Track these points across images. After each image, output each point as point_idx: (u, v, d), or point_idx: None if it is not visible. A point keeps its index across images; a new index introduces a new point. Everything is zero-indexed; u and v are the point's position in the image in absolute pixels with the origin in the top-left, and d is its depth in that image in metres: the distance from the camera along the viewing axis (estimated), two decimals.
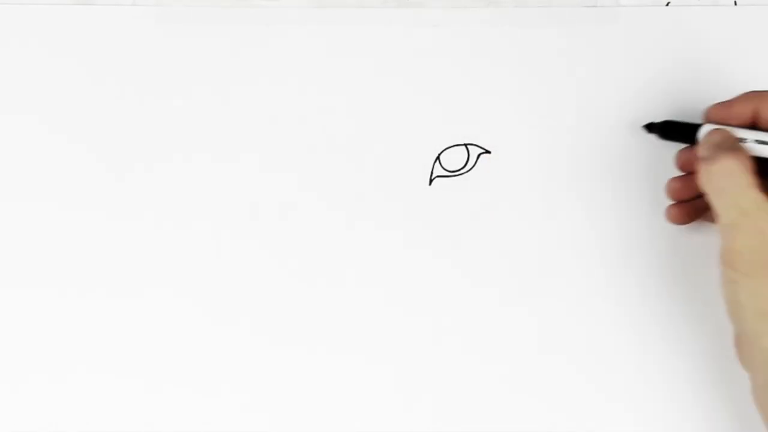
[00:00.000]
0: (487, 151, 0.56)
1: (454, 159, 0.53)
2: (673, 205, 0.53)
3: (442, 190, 0.55)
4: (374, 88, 0.58)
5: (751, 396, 0.46)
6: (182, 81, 0.58)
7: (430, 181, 0.55)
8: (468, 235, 0.55)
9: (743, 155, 0.47)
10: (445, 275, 0.55)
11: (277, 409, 0.53)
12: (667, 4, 0.61)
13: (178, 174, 0.56)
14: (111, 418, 0.52)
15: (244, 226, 0.56)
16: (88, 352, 0.53)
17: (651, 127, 0.54)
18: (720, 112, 0.50)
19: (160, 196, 0.56)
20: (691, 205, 0.53)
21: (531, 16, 0.60)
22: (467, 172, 0.56)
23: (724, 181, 0.46)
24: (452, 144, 0.54)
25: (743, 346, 0.46)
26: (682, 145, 0.53)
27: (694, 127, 0.51)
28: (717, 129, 0.50)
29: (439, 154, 0.54)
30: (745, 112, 0.49)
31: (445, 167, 0.54)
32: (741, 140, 0.49)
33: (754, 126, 0.49)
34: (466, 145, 0.55)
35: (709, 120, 0.51)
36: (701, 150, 0.49)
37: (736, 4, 0.61)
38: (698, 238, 0.55)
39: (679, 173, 0.53)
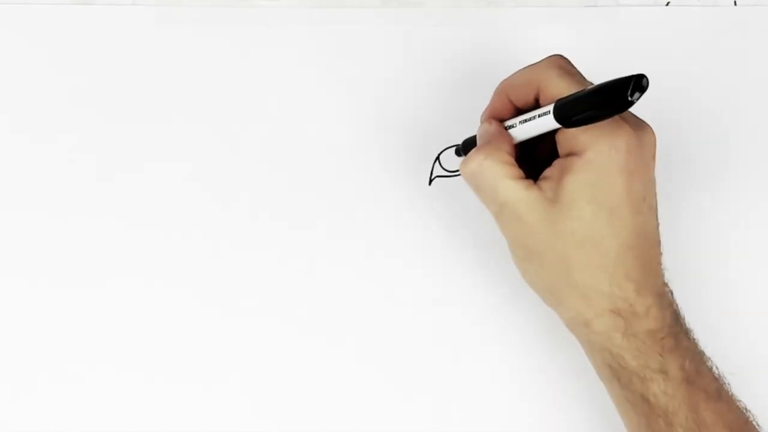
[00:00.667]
0: None
1: (454, 159, 0.53)
2: None
3: (442, 190, 0.55)
4: (374, 88, 0.58)
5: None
6: (182, 81, 0.58)
7: (430, 181, 0.55)
8: (468, 235, 0.55)
9: (494, 146, 0.47)
10: (445, 275, 0.55)
11: (274, 409, 0.53)
12: (667, 4, 0.61)
13: (178, 173, 0.56)
14: (110, 419, 0.53)
15: (244, 226, 0.56)
16: (86, 352, 0.53)
17: (458, 151, 0.53)
18: (501, 104, 0.50)
19: (160, 196, 0.56)
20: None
21: (531, 16, 0.60)
22: None
23: (479, 178, 0.47)
24: (452, 144, 0.54)
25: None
26: None
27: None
28: (482, 124, 0.50)
29: (439, 154, 0.54)
30: (528, 95, 0.48)
31: (445, 167, 0.54)
32: (509, 127, 0.49)
33: (537, 104, 0.48)
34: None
35: (492, 113, 0.50)
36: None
37: (736, 4, 0.61)
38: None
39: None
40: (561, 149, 0.46)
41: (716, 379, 0.46)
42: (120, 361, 0.53)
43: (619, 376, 0.46)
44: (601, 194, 0.44)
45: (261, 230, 0.55)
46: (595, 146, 0.44)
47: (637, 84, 0.41)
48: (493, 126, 0.49)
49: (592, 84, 0.46)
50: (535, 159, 0.48)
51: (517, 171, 0.46)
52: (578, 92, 0.44)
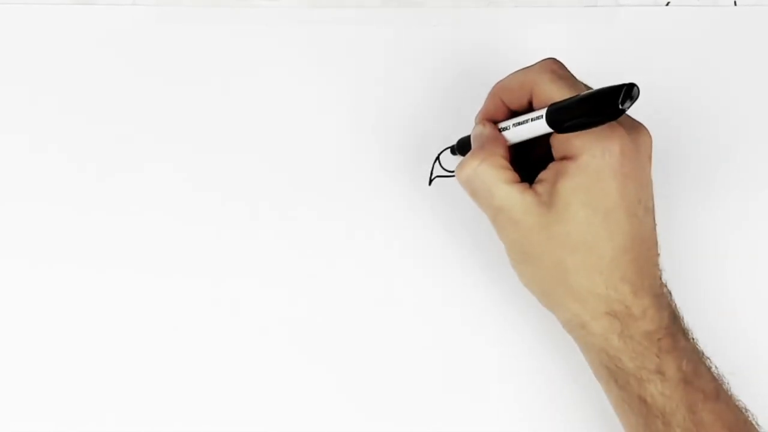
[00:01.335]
0: None
1: (454, 159, 0.53)
2: None
3: (442, 190, 0.55)
4: (374, 88, 0.58)
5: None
6: (182, 80, 0.58)
7: (430, 181, 0.55)
8: (467, 236, 0.55)
9: (489, 151, 0.47)
10: (445, 275, 0.55)
11: (275, 409, 0.53)
12: (667, 4, 0.61)
13: (178, 173, 0.56)
14: (111, 419, 0.53)
15: (243, 225, 0.56)
16: (86, 352, 0.54)
17: (453, 150, 0.54)
18: (495, 106, 0.50)
19: (159, 195, 0.56)
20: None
21: (531, 16, 0.60)
22: None
23: (474, 183, 0.47)
24: (452, 143, 0.54)
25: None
26: None
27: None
28: (476, 126, 0.50)
29: (439, 154, 0.54)
30: (522, 98, 0.48)
31: (445, 167, 0.54)
32: (503, 129, 0.49)
33: (530, 107, 0.48)
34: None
35: (486, 115, 0.50)
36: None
37: (736, 4, 0.61)
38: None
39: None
40: (555, 152, 0.46)
41: (715, 379, 0.46)
42: (120, 359, 0.53)
43: (616, 378, 0.46)
44: (595, 198, 0.44)
45: (260, 230, 0.56)
46: (589, 150, 0.44)
47: (627, 93, 0.41)
48: (488, 128, 0.49)
49: (586, 87, 0.46)
50: (531, 160, 0.48)
51: (512, 175, 0.47)
52: (570, 98, 0.44)
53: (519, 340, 0.54)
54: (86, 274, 0.55)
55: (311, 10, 0.60)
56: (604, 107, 0.42)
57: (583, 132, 0.44)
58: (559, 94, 0.45)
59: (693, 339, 0.47)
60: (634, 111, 0.44)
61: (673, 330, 0.46)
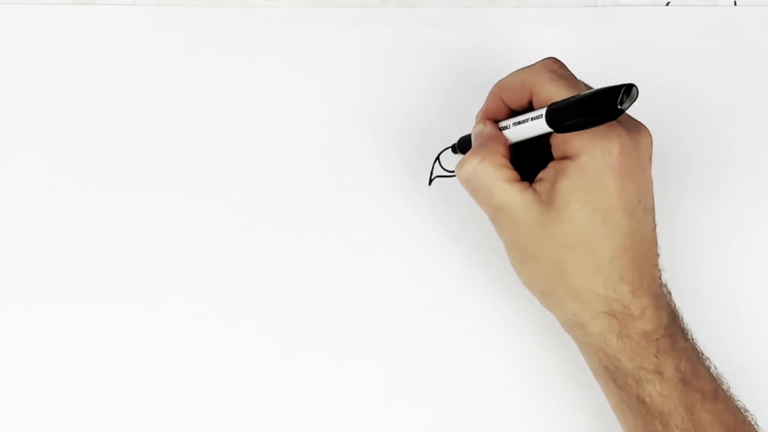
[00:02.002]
0: None
1: (454, 159, 0.53)
2: None
3: (442, 190, 0.55)
4: (374, 88, 0.58)
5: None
6: (182, 80, 0.58)
7: (430, 181, 0.55)
8: (468, 235, 0.55)
9: (489, 149, 0.47)
10: (445, 274, 0.55)
11: (274, 414, 0.53)
12: (667, 4, 0.61)
13: (177, 172, 0.56)
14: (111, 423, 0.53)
15: (241, 225, 0.56)
16: (83, 355, 0.54)
17: (455, 148, 0.54)
18: (495, 106, 0.50)
19: (158, 195, 0.56)
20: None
21: (531, 16, 0.60)
22: None
23: (474, 182, 0.47)
24: (452, 143, 0.54)
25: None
26: None
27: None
28: (477, 125, 0.50)
29: (440, 154, 0.54)
30: (522, 97, 0.48)
31: (445, 167, 0.54)
32: (503, 128, 0.49)
33: (530, 106, 0.48)
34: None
35: (486, 114, 0.50)
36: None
37: (736, 4, 0.61)
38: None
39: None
40: (555, 152, 0.46)
41: (714, 380, 0.46)
42: (119, 359, 0.53)
43: (614, 378, 0.46)
44: (594, 198, 0.44)
45: (259, 229, 0.55)
46: (589, 150, 0.44)
47: (626, 93, 0.42)
48: (488, 127, 0.49)
49: (586, 86, 0.46)
50: (531, 159, 0.48)
51: (512, 173, 0.47)
52: (570, 98, 0.44)
53: (518, 340, 0.54)
54: (86, 274, 0.55)
55: (311, 10, 0.60)
56: (602, 107, 0.42)
57: (583, 131, 0.44)
58: (559, 93, 0.45)
59: (692, 339, 0.47)
60: (635, 111, 0.44)
61: (672, 330, 0.46)
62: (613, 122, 0.44)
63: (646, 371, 0.45)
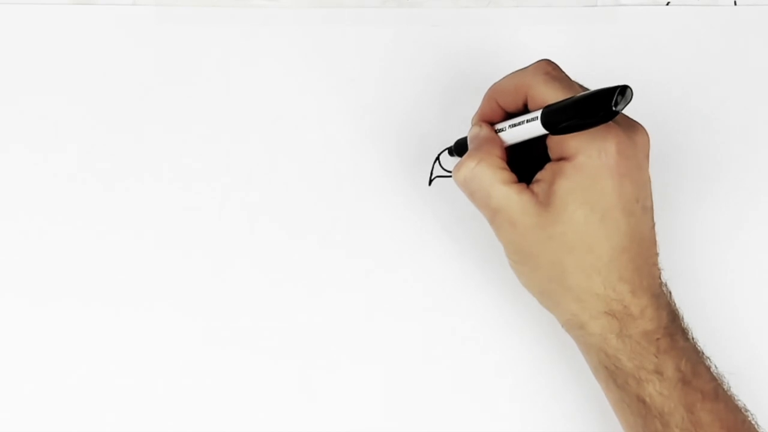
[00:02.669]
0: None
1: (453, 159, 0.53)
2: None
3: (442, 190, 0.55)
4: (374, 88, 0.58)
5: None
6: (182, 80, 0.58)
7: (430, 181, 0.55)
8: (467, 235, 0.55)
9: (485, 151, 0.47)
10: (444, 274, 0.55)
11: (274, 417, 0.53)
12: (667, 4, 0.61)
13: (177, 172, 0.56)
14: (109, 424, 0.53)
15: (241, 225, 0.56)
16: (82, 357, 0.54)
17: (451, 151, 0.54)
18: (491, 109, 0.50)
19: (158, 195, 0.56)
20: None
21: (531, 16, 0.60)
22: None
23: (472, 184, 0.47)
24: (452, 144, 0.54)
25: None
26: None
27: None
28: (473, 127, 0.50)
29: (439, 154, 0.54)
30: (517, 100, 0.48)
31: (445, 167, 0.54)
32: (499, 131, 0.49)
33: (526, 109, 0.48)
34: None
35: (482, 117, 0.50)
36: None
37: (736, 4, 0.61)
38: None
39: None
40: (552, 153, 0.46)
41: (714, 379, 0.46)
42: (120, 360, 0.54)
43: (615, 378, 0.46)
44: (592, 198, 0.44)
45: (258, 231, 0.55)
46: (585, 150, 0.44)
47: (621, 94, 0.42)
48: (484, 130, 0.49)
49: (581, 87, 0.47)
50: (528, 160, 0.48)
51: (509, 175, 0.47)
52: (565, 100, 0.44)
53: (518, 340, 0.54)
54: (84, 274, 0.55)
55: (311, 10, 0.60)
56: (597, 109, 0.42)
57: (579, 132, 0.44)
58: (554, 95, 0.45)
59: (692, 338, 0.47)
60: (634, 110, 0.44)
61: (672, 330, 0.46)
62: (610, 122, 0.44)
63: (647, 371, 0.45)
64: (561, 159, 0.45)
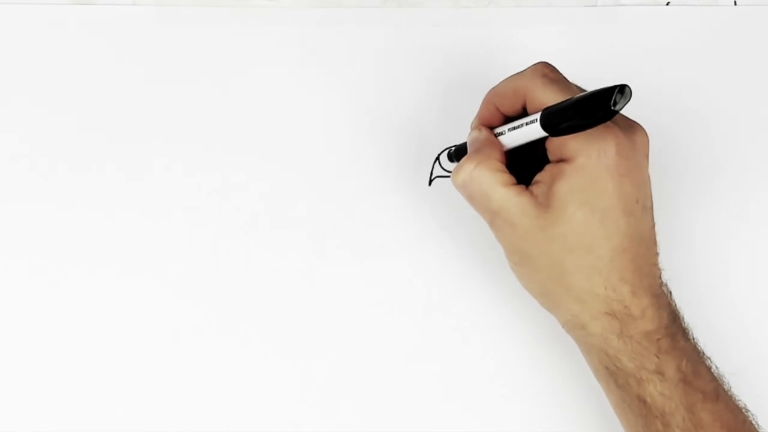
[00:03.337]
0: None
1: (451, 165, 0.53)
2: None
3: (442, 190, 0.55)
4: (374, 88, 0.58)
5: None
6: (182, 80, 0.58)
7: (430, 181, 0.55)
8: (467, 235, 0.55)
9: (484, 154, 0.47)
10: (444, 275, 0.55)
11: (273, 412, 0.53)
12: (667, 4, 0.61)
13: (176, 172, 0.56)
14: (109, 421, 0.53)
15: (241, 225, 0.56)
16: (81, 357, 0.54)
17: (451, 156, 0.54)
18: (489, 113, 0.50)
19: (158, 195, 0.56)
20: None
21: (531, 16, 0.60)
22: None
23: (471, 187, 0.47)
24: (452, 144, 0.54)
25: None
26: None
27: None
28: (472, 131, 0.50)
29: (439, 154, 0.54)
30: (515, 103, 0.48)
31: (445, 167, 0.54)
32: (499, 134, 0.49)
33: (524, 112, 0.48)
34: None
35: (481, 121, 0.50)
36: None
37: (736, 4, 0.61)
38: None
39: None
40: (551, 155, 0.46)
41: (714, 379, 0.46)
42: (120, 361, 0.53)
43: (615, 378, 0.46)
44: (592, 198, 0.45)
45: (258, 230, 0.55)
46: (585, 151, 0.44)
47: (620, 93, 0.42)
48: (483, 133, 0.49)
49: (578, 89, 0.47)
50: (527, 162, 0.48)
51: (508, 177, 0.47)
52: (564, 102, 0.44)
53: (518, 341, 0.54)
54: (83, 273, 0.55)
55: (311, 10, 0.60)
56: (596, 109, 0.42)
57: (579, 133, 0.44)
58: (552, 98, 0.45)
59: (693, 339, 0.47)
60: (635, 110, 0.44)
61: (673, 330, 0.46)
62: (609, 123, 0.44)
63: (647, 371, 0.45)
64: (560, 160, 0.45)
